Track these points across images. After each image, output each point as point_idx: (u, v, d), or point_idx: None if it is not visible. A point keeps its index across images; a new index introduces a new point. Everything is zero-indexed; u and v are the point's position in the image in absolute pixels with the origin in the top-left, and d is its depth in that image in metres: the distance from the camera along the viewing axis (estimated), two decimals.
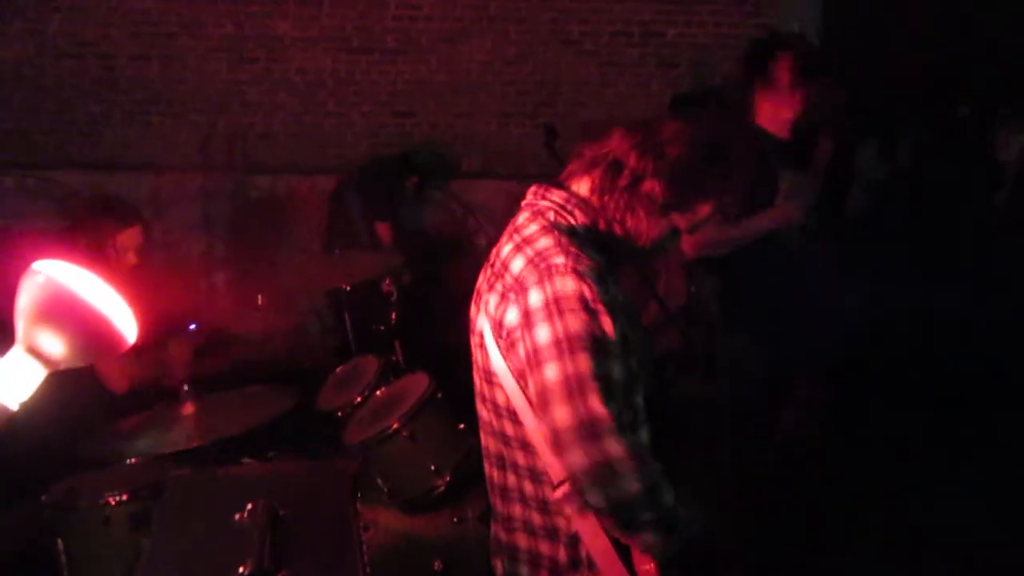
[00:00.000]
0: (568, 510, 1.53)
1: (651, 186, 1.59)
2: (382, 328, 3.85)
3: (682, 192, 1.61)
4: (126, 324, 1.09)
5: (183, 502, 1.77)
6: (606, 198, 1.62)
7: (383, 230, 4.95)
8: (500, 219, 5.67)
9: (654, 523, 1.45)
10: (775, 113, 2.95)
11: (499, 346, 1.57)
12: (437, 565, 2.97)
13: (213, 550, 1.51)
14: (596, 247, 1.59)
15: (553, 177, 1.75)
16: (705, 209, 1.66)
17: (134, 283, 3.29)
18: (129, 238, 3.31)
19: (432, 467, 3.14)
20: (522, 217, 1.65)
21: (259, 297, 3.79)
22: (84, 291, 1.03)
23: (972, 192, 3.74)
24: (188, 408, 2.68)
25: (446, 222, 5.84)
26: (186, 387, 2.67)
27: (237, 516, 1.48)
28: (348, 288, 3.77)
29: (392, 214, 5.05)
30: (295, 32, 5.62)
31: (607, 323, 1.47)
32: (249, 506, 1.48)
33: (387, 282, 3.72)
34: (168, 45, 5.55)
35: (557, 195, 1.64)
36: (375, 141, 5.80)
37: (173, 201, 5.53)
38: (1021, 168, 3.78)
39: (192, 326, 4.09)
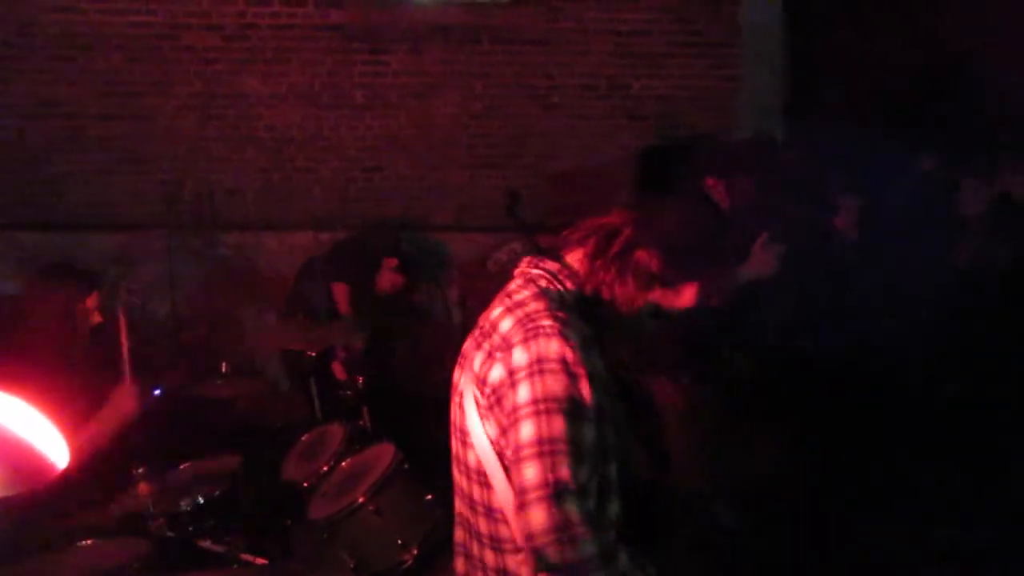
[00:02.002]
0: (526, 574, 1.52)
1: (643, 256, 1.63)
2: (349, 393, 3.80)
3: (673, 267, 1.64)
4: (54, 449, 1.05)
5: None
6: (598, 263, 1.65)
7: (340, 292, 4.64)
8: (472, 271, 5.74)
9: None
10: None
11: (479, 404, 1.59)
12: None
13: None
14: (583, 317, 1.61)
15: (523, 235, 1.78)
16: (690, 292, 1.68)
17: (98, 345, 3.24)
18: (91, 303, 3.26)
19: (399, 541, 3.09)
20: (515, 284, 1.70)
21: (223, 365, 3.72)
22: (6, 420, 0.99)
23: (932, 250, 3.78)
24: (143, 488, 2.59)
25: (418, 275, 5.81)
26: (140, 469, 2.60)
27: None
28: (313, 355, 3.73)
29: (354, 279, 4.71)
30: (263, 88, 5.62)
31: (585, 388, 1.49)
32: None
33: (342, 351, 3.67)
34: (136, 104, 5.52)
35: (550, 265, 1.69)
36: (344, 196, 5.79)
37: (140, 259, 5.46)
38: (983, 226, 3.83)
39: (156, 391, 4.02)
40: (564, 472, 1.43)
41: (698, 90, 5.77)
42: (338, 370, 4.15)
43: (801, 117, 5.71)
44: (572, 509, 1.42)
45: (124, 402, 2.93)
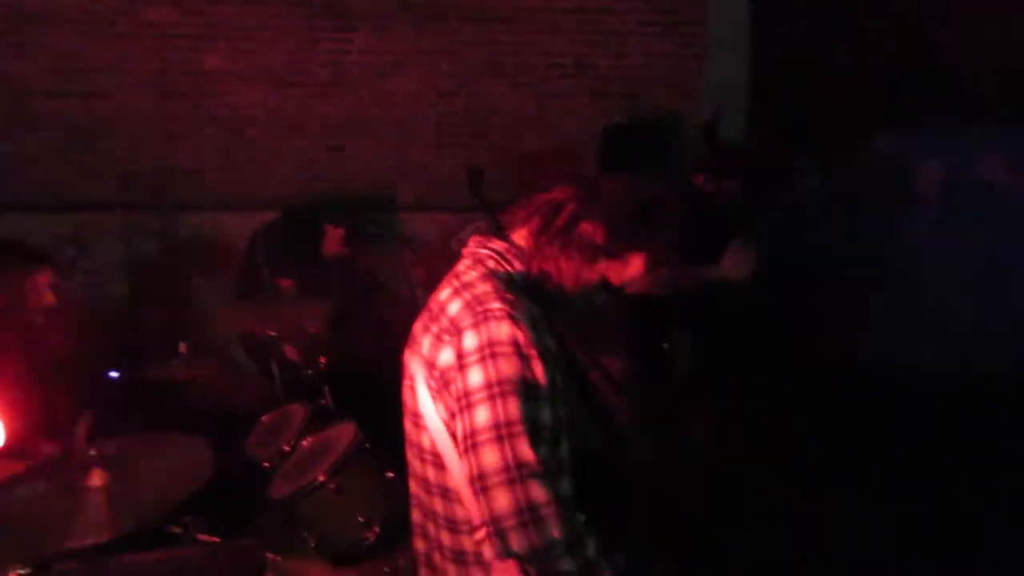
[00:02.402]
0: (488, 556, 1.51)
1: (587, 228, 1.61)
2: (310, 373, 3.75)
3: (617, 238, 1.62)
4: None
5: None
6: (542, 239, 1.64)
7: (287, 284, 4.55)
8: (436, 251, 5.70)
9: (575, 572, 1.45)
10: None
11: (430, 387, 1.57)
12: None
13: None
14: (532, 296, 1.60)
15: (486, 215, 1.77)
16: (637, 262, 1.67)
17: (52, 325, 3.17)
18: (41, 280, 3.18)
19: (361, 519, 3.05)
20: (462, 265, 1.68)
21: (182, 345, 3.65)
22: None
23: (891, 223, 3.83)
24: (96, 479, 2.50)
25: (381, 255, 5.76)
26: (93, 452, 2.52)
27: None
28: (274, 335, 3.67)
29: (299, 272, 4.58)
30: (224, 66, 5.52)
31: (539, 369, 1.49)
32: None
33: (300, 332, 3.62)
34: (89, 81, 5.39)
35: (497, 245, 1.68)
36: (308, 175, 5.71)
37: (95, 240, 5.35)
38: (940, 200, 3.88)
39: (114, 374, 3.95)
40: (525, 454, 1.43)
41: (664, 69, 5.77)
42: (291, 352, 4.08)
43: (765, 97, 5.73)
44: (537, 490, 1.42)
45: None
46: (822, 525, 3.52)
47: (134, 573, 1.71)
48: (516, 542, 1.41)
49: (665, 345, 3.29)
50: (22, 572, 2.20)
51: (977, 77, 4.95)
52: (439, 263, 5.57)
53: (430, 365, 1.57)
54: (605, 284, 1.69)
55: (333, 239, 4.69)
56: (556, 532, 1.41)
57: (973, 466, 3.57)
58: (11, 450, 2.64)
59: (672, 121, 5.53)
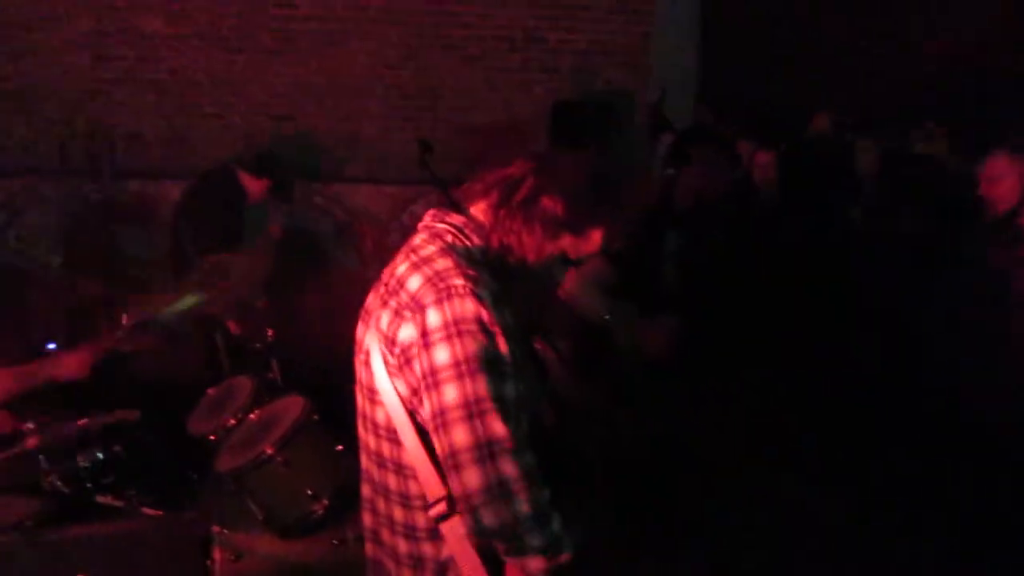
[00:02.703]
0: (444, 532, 1.53)
1: (548, 203, 1.61)
2: (258, 346, 3.72)
3: (578, 213, 1.63)
4: None
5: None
6: (502, 213, 1.63)
7: (214, 263, 4.21)
8: (385, 224, 5.67)
9: (541, 548, 1.47)
10: None
11: (388, 363, 1.56)
12: None
13: None
14: (491, 271, 1.60)
15: (435, 188, 1.75)
16: (596, 236, 1.69)
17: None
18: None
19: (309, 492, 3.06)
20: (419, 238, 1.66)
21: (123, 316, 3.57)
22: None
23: (830, 208, 3.94)
24: (32, 444, 2.47)
25: (328, 228, 5.72)
26: (30, 424, 2.48)
27: None
28: (221, 306, 3.62)
29: (227, 243, 4.28)
30: (166, 29, 5.36)
31: (503, 344, 1.50)
32: None
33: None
34: (20, 39, 5.17)
35: (455, 219, 1.66)
36: (253, 144, 5.59)
37: (29, 207, 5.17)
38: (877, 181, 4.01)
39: (51, 346, 3.85)
40: (495, 430, 1.44)
41: (613, 45, 5.79)
42: (234, 326, 4.01)
43: (714, 77, 5.81)
44: (508, 466, 1.43)
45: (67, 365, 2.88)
46: (765, 497, 3.66)
47: (78, 545, 1.68)
48: (487, 518, 1.43)
49: (607, 317, 3.34)
50: None
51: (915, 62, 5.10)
52: (389, 237, 5.58)
53: (389, 341, 1.55)
54: (564, 258, 1.70)
55: (256, 191, 4.48)
56: (526, 507, 1.43)
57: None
58: None
59: (628, 99, 5.57)
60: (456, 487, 1.45)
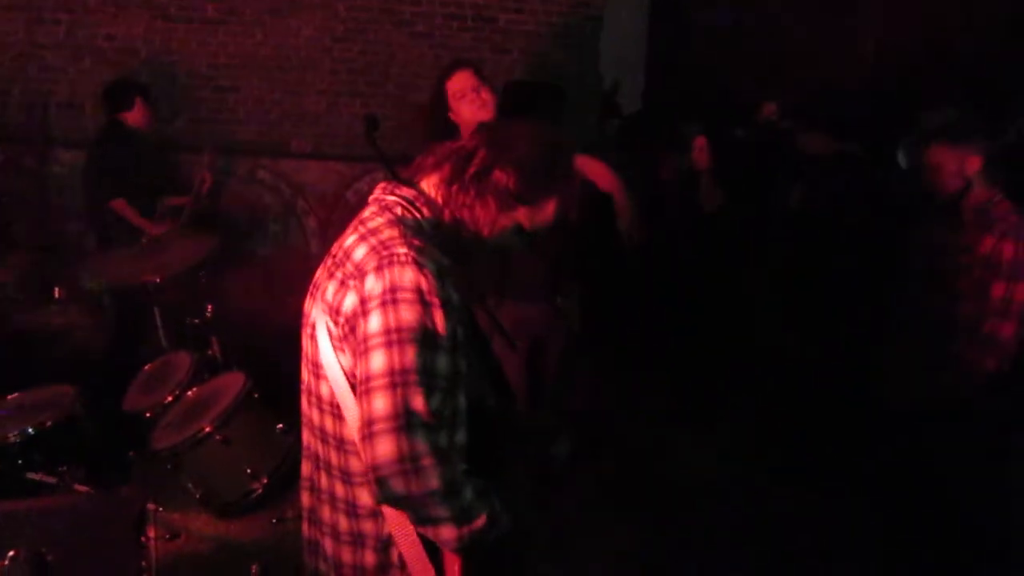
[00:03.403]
0: (384, 509, 1.52)
1: (501, 175, 1.61)
2: (196, 322, 3.66)
3: (530, 184, 1.63)
4: None
5: None
6: (455, 187, 1.63)
7: (121, 208, 4.29)
8: (330, 201, 5.61)
9: (450, 518, 1.47)
10: None
11: (332, 335, 1.55)
12: (254, 569, 2.86)
13: None
14: (440, 246, 1.59)
15: (382, 166, 1.73)
16: (550, 207, 1.69)
17: None
18: None
19: (248, 470, 3.04)
20: (368, 211, 1.65)
21: (56, 290, 3.48)
22: None
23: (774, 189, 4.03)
24: None
25: (274, 203, 5.63)
26: None
27: None
28: (159, 280, 3.55)
29: (123, 188, 4.32)
30: None
31: (439, 317, 1.48)
32: (11, 553, 1.35)
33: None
34: None
35: (405, 192, 1.65)
36: (195, 116, 5.48)
37: None
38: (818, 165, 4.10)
39: None
40: (415, 403, 1.43)
41: (562, 27, 5.79)
42: (173, 297, 3.96)
43: (662, 60, 5.86)
44: (420, 441, 1.42)
45: None
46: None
47: (9, 520, 1.65)
48: (394, 488, 1.42)
49: (559, 299, 3.37)
50: None
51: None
52: (333, 213, 5.52)
53: (335, 311, 1.55)
54: (519, 229, 1.69)
55: (139, 120, 4.47)
56: (434, 482, 1.43)
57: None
58: None
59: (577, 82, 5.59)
60: (368, 455, 1.44)
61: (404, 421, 1.42)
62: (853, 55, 5.27)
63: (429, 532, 1.50)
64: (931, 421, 2.78)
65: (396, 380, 1.43)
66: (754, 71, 5.32)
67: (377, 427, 1.42)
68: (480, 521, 1.51)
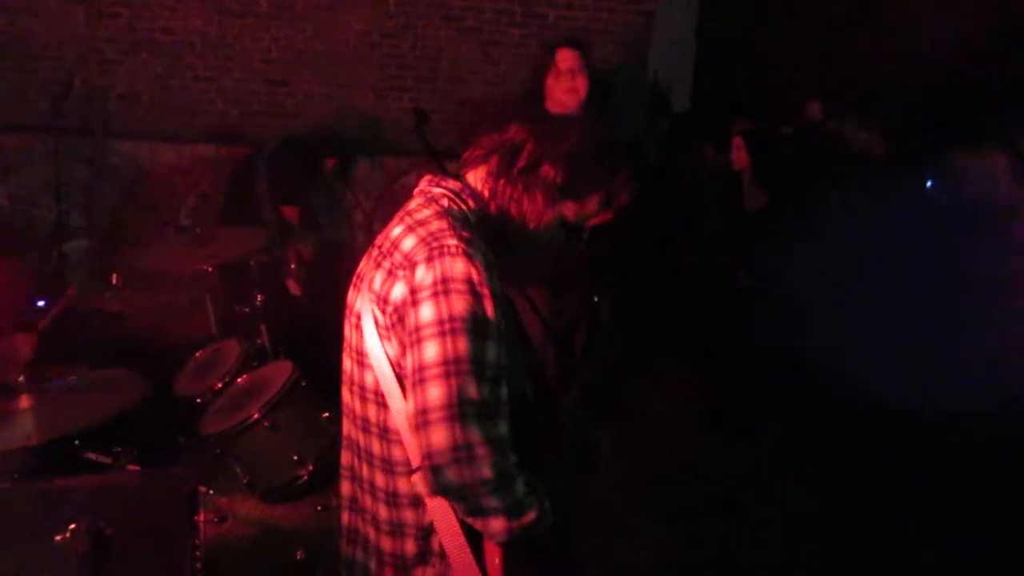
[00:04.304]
0: (421, 492, 1.53)
1: (548, 170, 1.63)
2: (247, 310, 3.73)
3: (577, 178, 1.65)
4: None
5: (1, 520, 1.65)
6: (502, 182, 1.64)
7: (291, 213, 4.67)
8: (378, 195, 5.66)
9: (501, 510, 1.48)
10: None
11: (379, 324, 1.56)
12: (300, 555, 2.92)
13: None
14: (486, 238, 1.60)
15: (431, 159, 1.75)
16: (594, 200, 1.70)
17: None
18: None
19: (295, 457, 3.09)
20: (415, 203, 1.66)
21: (113, 276, 3.58)
22: None
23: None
24: (24, 401, 2.50)
25: (322, 197, 5.70)
26: (21, 378, 2.49)
27: (59, 537, 1.39)
28: (211, 269, 3.63)
29: (302, 198, 4.81)
30: None
31: (490, 307, 1.49)
32: (72, 526, 1.40)
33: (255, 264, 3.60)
34: None
35: (451, 184, 1.67)
36: (247, 110, 5.57)
37: (22, 164, 5.14)
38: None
39: (40, 303, 3.85)
40: (469, 392, 1.44)
41: (613, 23, 5.76)
42: (293, 286, 4.13)
43: (712, 56, 5.81)
44: (474, 429, 1.43)
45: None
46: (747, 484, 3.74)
47: (66, 494, 1.71)
48: (448, 477, 1.42)
49: (596, 298, 3.37)
50: None
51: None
52: (380, 206, 5.59)
53: (382, 300, 1.55)
54: (563, 222, 1.71)
55: (327, 169, 4.82)
56: (488, 472, 1.43)
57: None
58: None
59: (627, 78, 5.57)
60: (422, 444, 1.44)
61: (458, 410, 1.43)
62: (906, 54, 5.17)
63: (479, 523, 1.51)
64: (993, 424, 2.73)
65: (450, 369, 1.44)
66: (803, 70, 5.25)
67: (431, 416, 1.43)
68: (530, 515, 1.51)
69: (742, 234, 4.26)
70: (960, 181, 3.27)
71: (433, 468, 1.43)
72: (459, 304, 1.46)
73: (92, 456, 2.63)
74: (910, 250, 3.65)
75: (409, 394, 1.48)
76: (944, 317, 3.04)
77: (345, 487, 1.76)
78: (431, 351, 1.45)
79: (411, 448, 1.54)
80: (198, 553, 1.69)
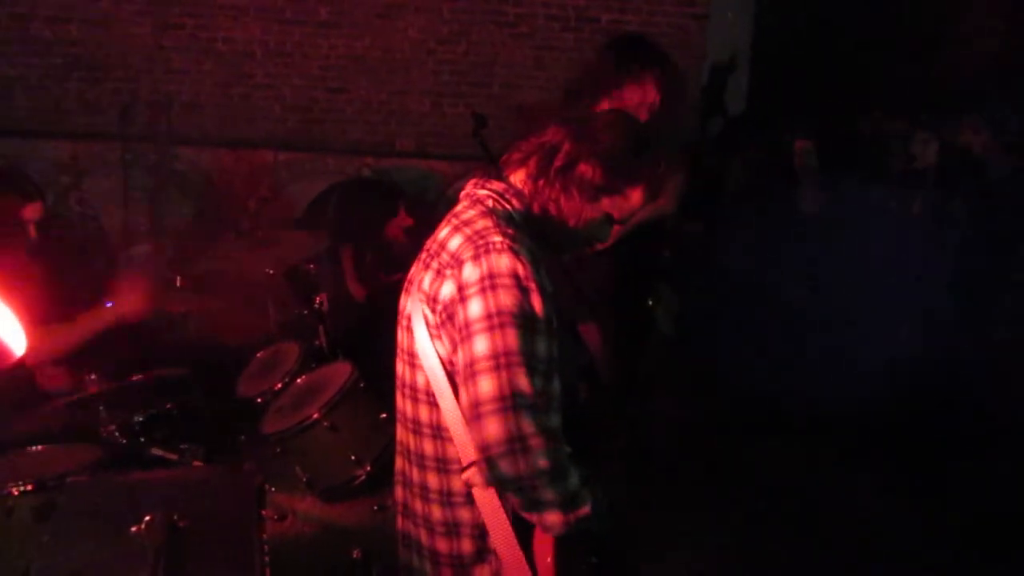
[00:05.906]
0: (475, 484, 1.54)
1: (586, 168, 1.64)
2: (306, 313, 3.79)
3: (615, 175, 1.66)
4: (13, 337, 1.06)
5: (78, 512, 1.71)
6: (541, 182, 1.66)
7: (346, 254, 4.63)
8: (432, 200, 5.71)
9: (557, 503, 1.49)
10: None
11: (429, 324, 1.58)
12: (356, 554, 2.94)
13: (106, 567, 1.47)
14: (531, 235, 1.62)
15: (485, 164, 1.78)
16: (636, 195, 1.71)
17: (37, 258, 3.18)
18: (31, 213, 3.16)
19: (353, 457, 3.14)
20: (461, 205, 1.69)
21: (177, 279, 3.68)
22: None
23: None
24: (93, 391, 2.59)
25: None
26: (93, 376, 2.59)
27: (134, 529, 1.45)
28: (271, 272, 3.71)
29: (357, 240, 4.70)
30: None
31: (537, 302, 1.51)
32: (147, 518, 1.45)
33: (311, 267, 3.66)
34: (89, 7, 5.30)
35: (495, 185, 1.69)
36: (307, 116, 5.68)
37: (91, 170, 5.33)
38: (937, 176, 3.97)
39: (109, 304, 3.97)
40: (521, 384, 1.45)
41: (667, 27, 5.73)
42: (355, 289, 4.27)
43: (767, 59, 5.73)
44: (527, 420, 1.44)
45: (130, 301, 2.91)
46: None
47: (137, 489, 1.77)
48: (503, 469, 1.44)
49: (651, 301, 3.34)
50: (23, 488, 2.28)
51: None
52: (433, 214, 5.64)
53: (432, 300, 1.58)
54: (609, 219, 1.71)
55: (399, 223, 4.67)
56: (543, 462, 1.44)
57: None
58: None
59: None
60: (476, 436, 1.46)
61: (511, 402, 1.44)
62: (970, 55, 5.03)
63: (535, 517, 1.51)
64: None
65: (500, 362, 1.45)
66: (862, 72, 5.14)
67: (484, 408, 1.44)
68: (585, 509, 1.52)
69: (796, 236, 4.20)
70: None
71: (488, 460, 1.45)
72: (506, 299, 1.48)
73: (160, 452, 2.70)
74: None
75: (462, 389, 1.50)
76: None
77: (399, 492, 1.77)
78: (481, 345, 1.47)
79: (463, 445, 1.55)
80: (266, 547, 1.73)
